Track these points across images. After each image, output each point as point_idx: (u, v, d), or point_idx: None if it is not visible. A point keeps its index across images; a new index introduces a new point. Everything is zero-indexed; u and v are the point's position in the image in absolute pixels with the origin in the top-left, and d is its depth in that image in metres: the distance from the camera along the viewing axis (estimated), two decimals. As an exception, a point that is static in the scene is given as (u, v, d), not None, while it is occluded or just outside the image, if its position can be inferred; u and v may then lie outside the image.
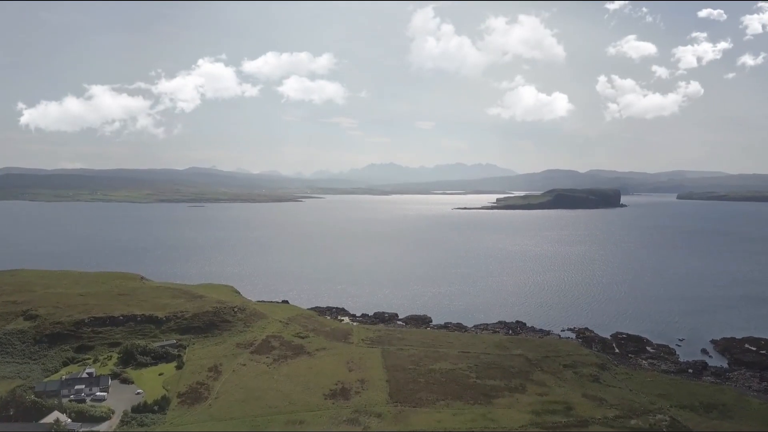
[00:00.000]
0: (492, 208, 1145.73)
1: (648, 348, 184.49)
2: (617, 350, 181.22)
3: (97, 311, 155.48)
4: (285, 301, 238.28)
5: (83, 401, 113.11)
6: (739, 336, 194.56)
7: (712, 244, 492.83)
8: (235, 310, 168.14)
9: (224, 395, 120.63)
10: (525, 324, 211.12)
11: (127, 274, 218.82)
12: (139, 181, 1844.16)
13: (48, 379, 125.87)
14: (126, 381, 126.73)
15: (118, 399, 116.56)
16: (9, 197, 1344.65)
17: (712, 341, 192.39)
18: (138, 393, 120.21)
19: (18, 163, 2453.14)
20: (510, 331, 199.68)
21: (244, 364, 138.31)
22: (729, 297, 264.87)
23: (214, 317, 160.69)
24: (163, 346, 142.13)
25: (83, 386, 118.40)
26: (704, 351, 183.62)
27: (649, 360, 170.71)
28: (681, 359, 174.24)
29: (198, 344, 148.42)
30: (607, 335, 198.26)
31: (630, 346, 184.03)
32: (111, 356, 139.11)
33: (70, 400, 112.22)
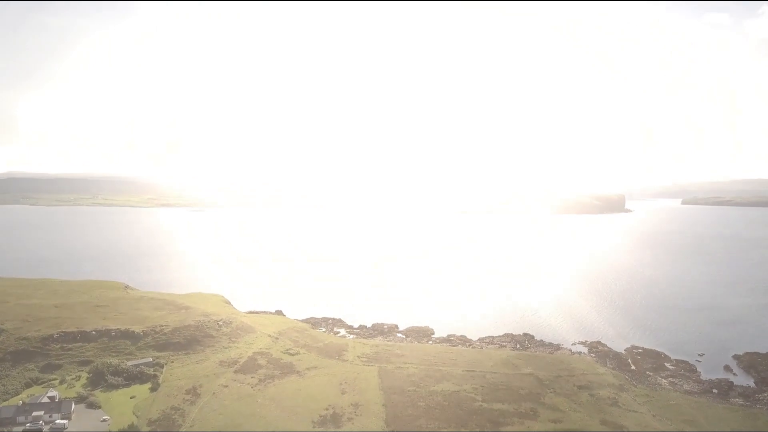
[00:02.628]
0: (493, 214, 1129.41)
1: (666, 364, 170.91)
2: (633, 367, 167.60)
3: (69, 325, 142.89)
4: (279, 311, 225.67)
5: (40, 431, 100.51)
6: (763, 350, 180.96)
7: (728, 250, 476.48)
8: (220, 323, 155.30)
9: (200, 423, 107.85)
10: (533, 337, 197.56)
11: (111, 282, 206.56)
12: (142, 185, 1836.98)
13: (5, 403, 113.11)
14: (93, 405, 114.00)
15: (81, 427, 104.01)
16: (10, 201, 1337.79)
17: (735, 357, 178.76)
18: (104, 420, 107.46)
19: (21, 166, 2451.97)
20: (518, 345, 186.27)
21: (227, 386, 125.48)
22: (750, 306, 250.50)
23: (196, 332, 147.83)
24: (137, 365, 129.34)
25: (42, 412, 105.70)
26: (727, 368, 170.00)
27: (670, 378, 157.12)
28: (703, 377, 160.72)
29: (177, 362, 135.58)
30: (621, 350, 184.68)
31: (647, 363, 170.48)
32: (80, 376, 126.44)
33: (25, 430, 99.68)
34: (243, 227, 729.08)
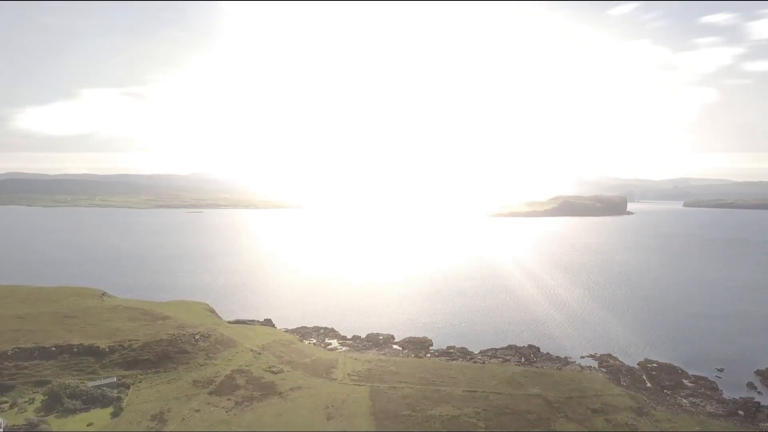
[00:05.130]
0: (495, 216, 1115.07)
1: (685, 381, 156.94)
2: (649, 384, 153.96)
3: (26, 340, 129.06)
4: (268, 320, 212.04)
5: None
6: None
7: (740, 254, 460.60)
8: (197, 337, 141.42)
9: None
10: (539, 349, 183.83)
11: (87, 289, 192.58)
12: (141, 186, 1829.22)
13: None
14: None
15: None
16: (7, 202, 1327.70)
17: (758, 372, 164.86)
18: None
19: (21, 167, 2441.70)
20: (522, 359, 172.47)
21: (198, 410, 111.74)
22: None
23: (168, 347, 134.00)
24: (99, 386, 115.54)
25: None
26: (750, 385, 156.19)
27: (690, 398, 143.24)
28: (726, 396, 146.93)
29: (145, 382, 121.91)
30: (634, 364, 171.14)
31: (664, 379, 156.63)
32: (33, 399, 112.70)
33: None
34: (243, 228, 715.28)
